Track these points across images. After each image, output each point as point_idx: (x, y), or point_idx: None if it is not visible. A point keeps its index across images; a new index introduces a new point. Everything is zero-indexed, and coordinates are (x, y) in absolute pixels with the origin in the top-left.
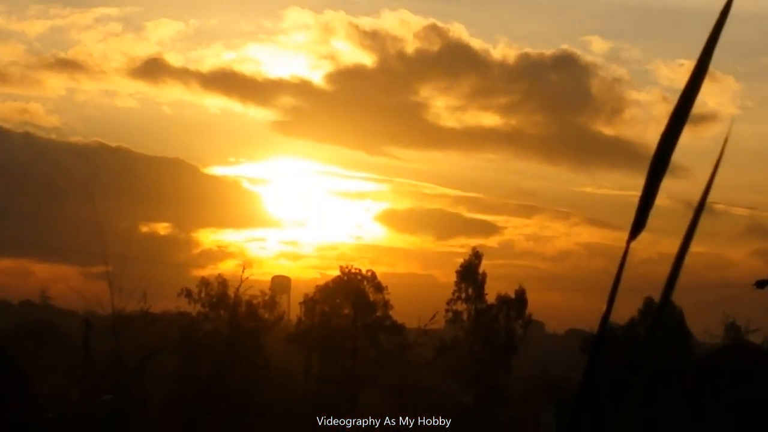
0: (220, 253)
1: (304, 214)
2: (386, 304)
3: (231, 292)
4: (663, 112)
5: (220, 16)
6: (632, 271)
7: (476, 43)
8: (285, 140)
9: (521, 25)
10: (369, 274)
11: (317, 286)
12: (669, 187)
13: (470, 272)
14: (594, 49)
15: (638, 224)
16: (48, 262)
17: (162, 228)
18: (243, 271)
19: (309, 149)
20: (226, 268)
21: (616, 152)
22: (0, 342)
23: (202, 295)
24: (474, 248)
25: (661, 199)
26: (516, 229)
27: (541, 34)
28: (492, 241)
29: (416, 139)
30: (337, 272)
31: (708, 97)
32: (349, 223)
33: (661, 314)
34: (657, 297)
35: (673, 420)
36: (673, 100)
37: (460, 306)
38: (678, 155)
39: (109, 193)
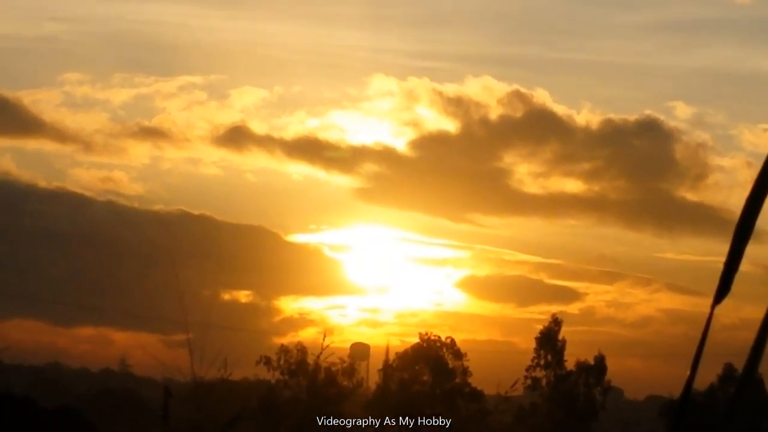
0: (300, 321)
1: (385, 281)
2: (465, 371)
3: (310, 360)
4: (747, 178)
5: (303, 84)
6: (712, 337)
7: (560, 109)
8: (366, 207)
9: (605, 90)
10: (448, 341)
11: (396, 353)
12: (749, 251)
13: (549, 339)
14: (678, 114)
15: (723, 289)
16: (128, 330)
17: (243, 296)
18: (324, 339)
19: (390, 216)
20: (307, 335)
21: (699, 218)
22: (80, 408)
23: (281, 362)
24: (553, 315)
25: (742, 264)
26: (597, 296)
27: (625, 100)
28: (573, 308)
29: (499, 205)
30: (417, 339)
31: None
32: (429, 290)
33: (744, 386)
34: (737, 363)
35: None
36: (758, 165)
37: (539, 372)
38: (758, 219)
39: (192, 261)
